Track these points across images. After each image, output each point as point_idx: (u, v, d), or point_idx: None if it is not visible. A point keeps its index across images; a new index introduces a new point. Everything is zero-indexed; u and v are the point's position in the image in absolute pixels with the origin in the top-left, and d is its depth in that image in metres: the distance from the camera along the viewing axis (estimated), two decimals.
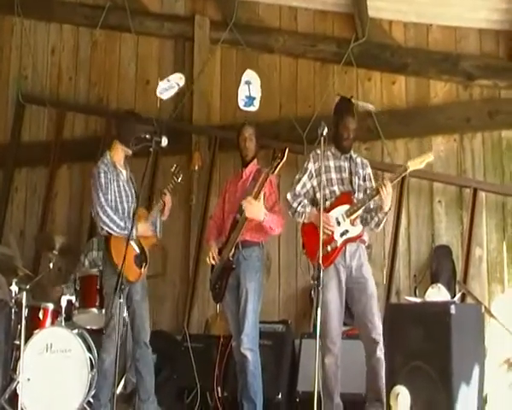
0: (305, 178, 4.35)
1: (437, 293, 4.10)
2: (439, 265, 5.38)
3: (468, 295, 4.96)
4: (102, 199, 4.59)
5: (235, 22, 6.27)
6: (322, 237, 3.78)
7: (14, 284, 5.04)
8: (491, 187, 5.42)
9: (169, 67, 6.57)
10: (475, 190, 5.35)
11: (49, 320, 5.13)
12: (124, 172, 4.80)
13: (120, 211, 4.66)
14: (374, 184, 4.34)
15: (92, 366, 4.86)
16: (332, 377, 4.13)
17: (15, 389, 4.72)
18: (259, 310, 4.56)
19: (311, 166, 4.37)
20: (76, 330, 5.04)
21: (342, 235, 4.19)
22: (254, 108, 5.76)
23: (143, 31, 6.73)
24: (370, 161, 4.60)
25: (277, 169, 4.37)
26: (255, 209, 4.40)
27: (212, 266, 4.69)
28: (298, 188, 4.36)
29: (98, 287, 4.97)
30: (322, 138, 3.86)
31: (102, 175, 4.64)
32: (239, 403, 4.55)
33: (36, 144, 7.08)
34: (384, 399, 4.06)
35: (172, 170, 4.89)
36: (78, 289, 5.17)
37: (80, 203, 6.65)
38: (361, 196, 4.30)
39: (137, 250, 4.65)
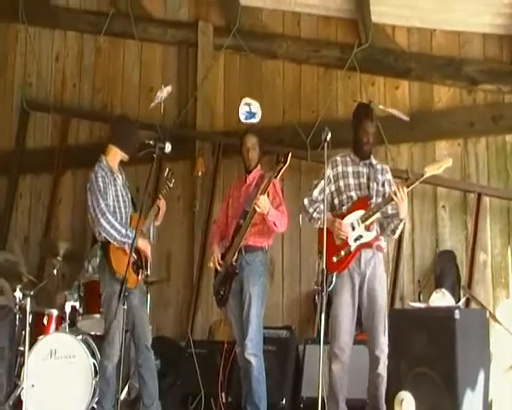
0: (323, 183, 4.29)
1: (441, 298, 4.09)
2: (444, 270, 5.37)
3: (472, 300, 4.94)
4: (103, 205, 4.51)
5: (238, 28, 6.29)
6: (325, 242, 3.79)
7: (18, 290, 5.01)
8: (496, 192, 5.40)
9: (172, 73, 6.60)
10: (479, 195, 5.35)
11: (53, 326, 5.14)
12: (120, 176, 4.76)
13: (119, 216, 4.61)
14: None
15: (96, 372, 4.84)
16: (338, 384, 4.11)
17: (20, 395, 4.71)
18: (263, 315, 4.56)
19: (330, 172, 4.35)
20: (80, 336, 5.03)
21: (356, 240, 4.16)
22: (255, 120, 5.80)
23: (147, 37, 6.75)
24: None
25: (280, 173, 4.38)
26: (263, 203, 4.38)
27: (216, 271, 4.69)
28: (315, 193, 4.33)
29: (100, 292, 4.96)
30: (326, 144, 3.87)
31: (100, 179, 4.57)
32: (243, 409, 4.55)
33: (40, 151, 7.10)
34: None
35: (165, 175, 4.86)
36: (81, 295, 5.18)
37: (84, 210, 6.52)
38: (379, 201, 4.26)
39: (135, 256, 4.62)
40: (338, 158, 4.38)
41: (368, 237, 4.18)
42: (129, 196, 4.78)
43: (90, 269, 5.63)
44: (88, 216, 4.71)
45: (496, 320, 4.44)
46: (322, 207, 4.21)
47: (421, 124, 5.64)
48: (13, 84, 7.28)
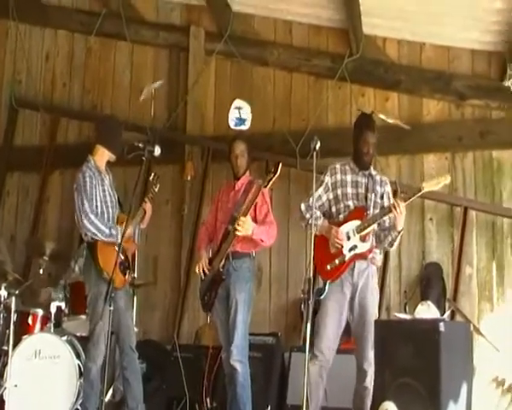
0: (321, 190, 4.32)
1: (426, 310, 4.12)
2: (430, 282, 5.42)
3: (457, 312, 4.99)
4: (86, 205, 4.52)
5: (230, 34, 6.31)
6: (313, 251, 3.82)
7: (3, 288, 5.01)
8: (482, 206, 5.47)
9: (163, 76, 6.58)
10: (466, 209, 5.41)
11: (38, 326, 5.12)
12: (107, 176, 4.77)
13: (106, 216, 4.61)
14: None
15: (81, 373, 4.82)
16: (312, 385, 4.01)
17: (2, 395, 4.68)
18: (249, 321, 4.57)
19: (328, 180, 4.36)
20: (65, 337, 5.02)
21: (351, 250, 4.17)
22: (245, 127, 5.82)
23: (139, 39, 6.75)
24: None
25: (270, 183, 4.38)
26: (245, 227, 4.40)
27: (202, 275, 4.70)
28: (312, 200, 4.34)
29: (86, 293, 4.96)
30: (315, 153, 3.88)
31: (88, 180, 4.57)
32: None
33: (29, 149, 7.07)
34: None
35: (151, 179, 4.87)
36: (67, 295, 5.17)
37: (72, 209, 6.59)
38: (376, 213, 4.26)
39: (122, 257, 4.62)
40: (337, 166, 4.39)
41: (362, 247, 4.19)
42: (116, 196, 4.79)
43: (77, 269, 5.60)
44: (75, 216, 4.70)
45: (480, 333, 4.48)
46: (318, 213, 4.24)
47: (410, 136, 5.67)
48: (2, 80, 7.24)
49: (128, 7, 6.72)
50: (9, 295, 4.98)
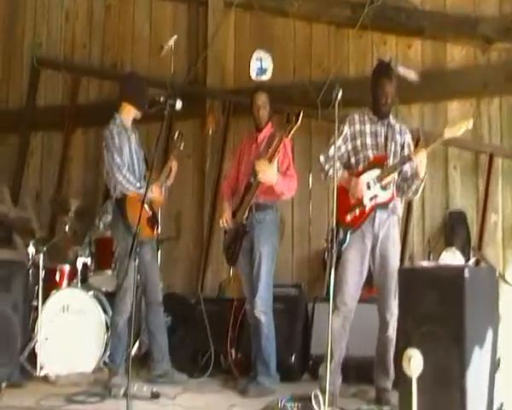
0: (340, 141, 4.26)
1: (451, 256, 4.07)
2: (454, 231, 5.36)
3: (482, 260, 4.95)
4: (118, 159, 4.57)
5: None
6: (335, 200, 3.79)
7: (31, 245, 5.09)
8: (508, 152, 5.36)
9: (183, 30, 6.54)
10: (491, 156, 5.31)
11: (65, 281, 5.21)
12: (133, 134, 4.79)
13: (134, 173, 4.67)
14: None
15: (107, 327, 4.93)
16: (336, 336, 4.00)
17: (34, 348, 4.81)
18: (273, 273, 4.59)
19: (347, 130, 4.30)
20: (91, 292, 5.11)
21: (371, 199, 4.14)
22: (266, 77, 5.75)
23: None
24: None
25: (291, 133, 4.35)
26: (268, 173, 4.39)
27: (226, 229, 4.72)
28: (331, 151, 4.25)
29: (113, 249, 5.02)
30: (337, 102, 3.81)
31: (116, 136, 4.61)
32: (252, 365, 4.62)
33: (51, 109, 7.12)
34: (391, 374, 4.13)
35: (175, 138, 4.88)
36: (93, 251, 5.24)
37: (95, 167, 6.68)
38: (395, 161, 4.20)
39: (150, 212, 4.69)
40: (356, 116, 4.33)
41: (383, 196, 4.15)
42: (142, 154, 4.82)
43: (101, 226, 5.67)
44: (104, 173, 4.77)
45: (505, 281, 4.45)
46: (337, 164, 4.18)
47: (434, 84, 5.56)
48: (23, 42, 7.28)
49: None
50: (37, 252, 5.06)
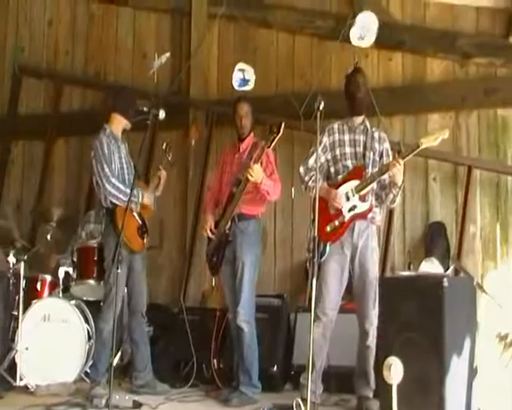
0: (320, 151, 4.29)
1: (430, 266, 4.14)
2: (433, 241, 5.43)
3: (461, 271, 5.01)
4: (107, 170, 4.58)
5: None
6: (317, 211, 3.81)
7: (11, 255, 5.05)
8: (486, 164, 5.45)
9: (166, 41, 6.57)
10: (470, 168, 5.39)
11: (46, 291, 5.19)
12: (123, 145, 4.82)
13: (124, 182, 4.67)
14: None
15: (89, 337, 4.91)
16: (316, 346, 4.03)
17: (14, 358, 4.77)
18: (255, 283, 4.61)
19: (326, 140, 4.36)
20: (73, 301, 5.09)
21: (350, 210, 4.18)
22: (249, 87, 5.80)
23: (140, 5, 6.72)
24: None
25: (273, 143, 4.36)
26: (256, 172, 4.40)
27: (208, 238, 4.73)
28: (311, 161, 4.32)
29: (95, 258, 5.02)
30: (319, 113, 3.84)
31: (106, 146, 4.62)
32: (235, 375, 4.63)
33: (33, 117, 7.08)
34: (372, 382, 4.17)
35: (163, 148, 4.90)
36: (75, 260, 5.22)
37: (77, 176, 6.67)
38: (374, 171, 4.24)
39: (140, 221, 4.71)
40: (335, 126, 4.39)
41: (362, 207, 4.20)
42: (132, 164, 4.84)
43: (84, 235, 5.67)
44: (93, 183, 4.77)
45: (483, 290, 4.51)
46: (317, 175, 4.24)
47: (414, 96, 5.66)
48: (5, 48, 7.22)
49: None
50: (18, 261, 5.02)
